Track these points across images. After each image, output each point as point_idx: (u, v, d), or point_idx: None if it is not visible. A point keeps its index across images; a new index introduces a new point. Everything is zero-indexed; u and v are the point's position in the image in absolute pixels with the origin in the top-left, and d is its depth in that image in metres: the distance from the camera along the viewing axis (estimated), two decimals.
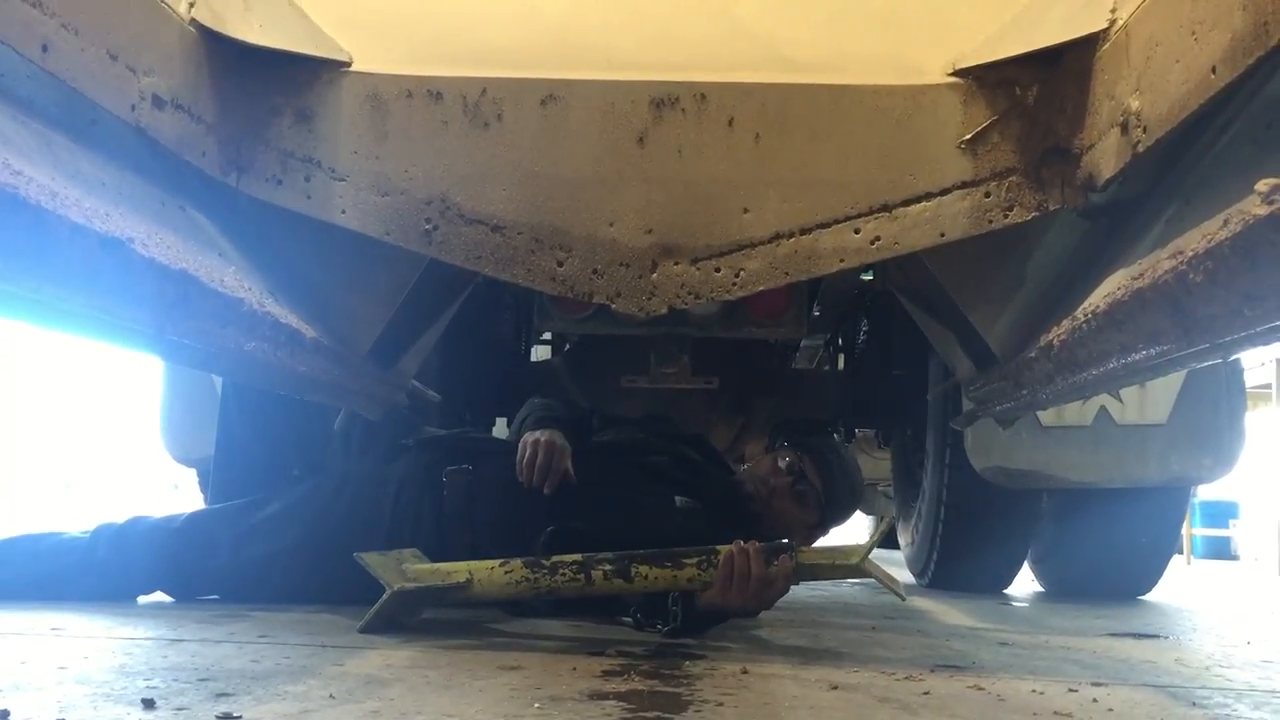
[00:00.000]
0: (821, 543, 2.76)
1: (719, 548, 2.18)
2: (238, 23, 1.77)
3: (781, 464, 2.75)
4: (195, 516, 2.76)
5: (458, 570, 2.23)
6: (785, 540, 2.28)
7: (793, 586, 2.25)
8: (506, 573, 2.21)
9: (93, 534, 2.69)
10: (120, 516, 2.77)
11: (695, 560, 2.18)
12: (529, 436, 2.63)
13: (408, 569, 2.24)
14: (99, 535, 2.68)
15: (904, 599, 2.33)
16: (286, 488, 2.80)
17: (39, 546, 2.68)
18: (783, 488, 2.72)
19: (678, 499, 2.75)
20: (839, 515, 2.88)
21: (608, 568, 2.18)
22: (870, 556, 2.18)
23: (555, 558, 2.22)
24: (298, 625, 2.27)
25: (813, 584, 4.59)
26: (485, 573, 2.22)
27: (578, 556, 2.21)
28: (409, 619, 2.28)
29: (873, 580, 2.21)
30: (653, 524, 2.60)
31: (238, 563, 2.63)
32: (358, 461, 2.85)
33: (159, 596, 2.70)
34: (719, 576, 2.16)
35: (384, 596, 2.15)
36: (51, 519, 3.21)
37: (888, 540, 9.50)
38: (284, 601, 2.62)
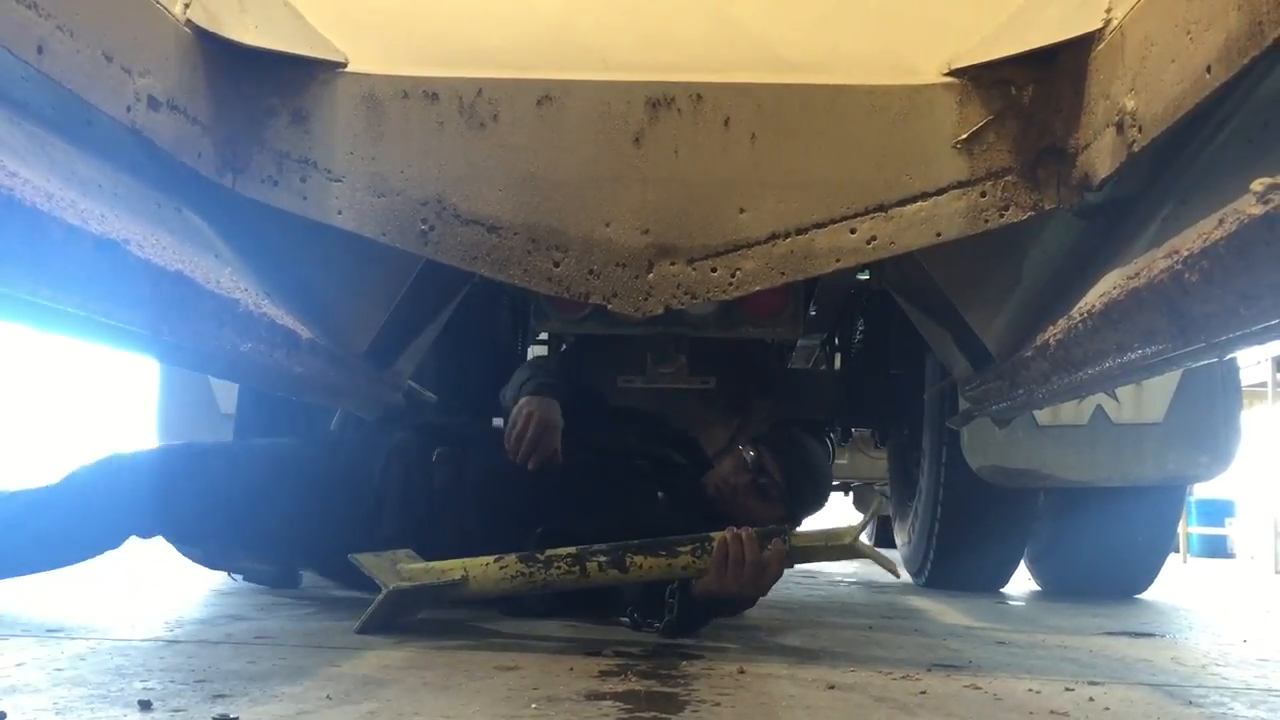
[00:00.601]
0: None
1: (712, 534, 2.19)
2: (233, 24, 1.77)
3: (741, 462, 2.76)
4: (187, 444, 2.72)
5: (452, 568, 2.23)
6: (777, 525, 2.29)
7: (787, 571, 2.26)
8: (501, 568, 2.21)
9: (66, 477, 2.56)
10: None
11: (689, 548, 2.19)
12: (524, 404, 2.61)
13: (402, 569, 2.24)
14: (72, 476, 2.55)
15: (898, 575, 2.34)
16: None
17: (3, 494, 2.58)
18: (743, 485, 2.72)
19: (659, 495, 2.75)
20: (804, 508, 2.88)
21: (602, 559, 2.19)
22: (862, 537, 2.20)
23: (549, 551, 2.22)
24: (294, 626, 2.27)
25: (810, 585, 4.60)
26: (480, 569, 2.21)
27: (572, 550, 2.21)
28: (405, 619, 2.28)
29: (868, 578, 2.21)
30: (639, 522, 2.59)
31: (229, 491, 2.56)
32: (353, 431, 2.86)
33: (138, 600, 2.69)
34: (714, 562, 2.16)
35: (380, 597, 2.16)
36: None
37: (884, 539, 9.51)
38: (269, 547, 2.62)
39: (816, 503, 2.95)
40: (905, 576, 4.81)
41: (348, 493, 2.59)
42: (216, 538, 2.67)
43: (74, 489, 2.53)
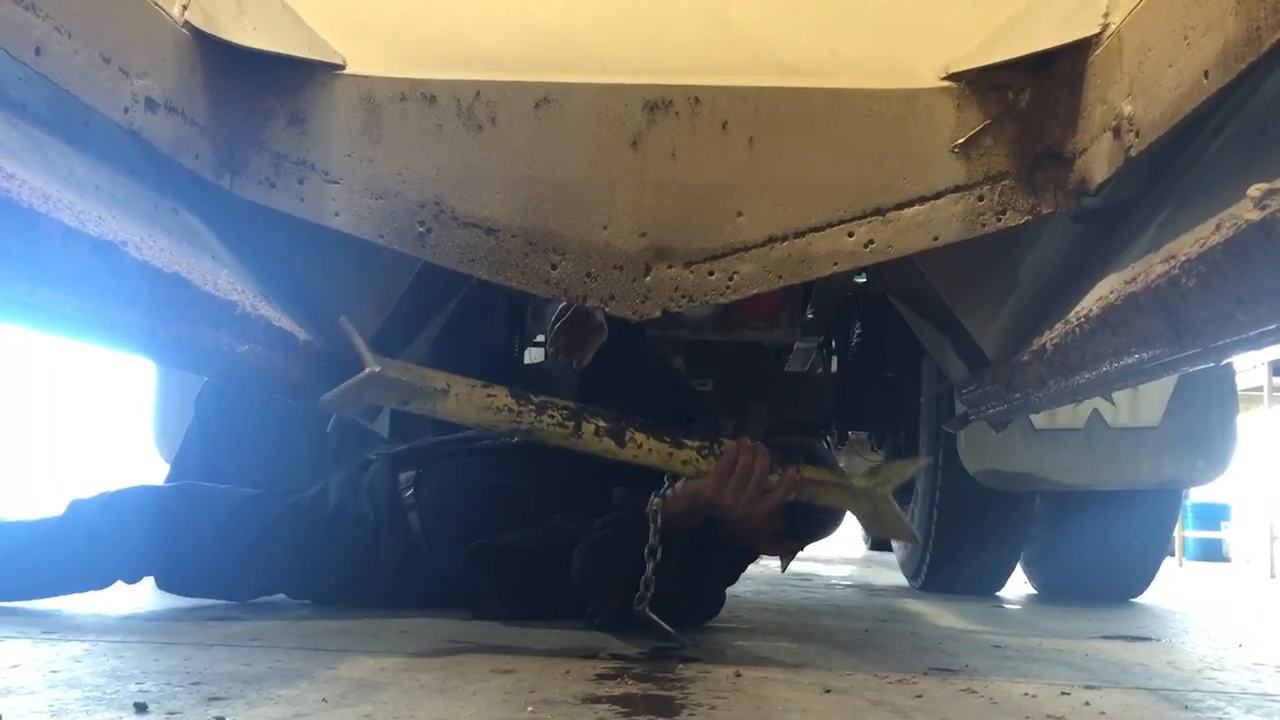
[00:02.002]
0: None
1: (724, 440, 2.09)
2: (231, 25, 1.77)
3: None
4: (189, 488, 2.74)
5: (436, 378, 2.06)
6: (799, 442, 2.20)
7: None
8: (489, 395, 2.04)
9: (68, 508, 2.64)
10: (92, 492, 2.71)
11: (696, 444, 2.07)
12: (569, 305, 2.56)
13: (384, 359, 2.04)
14: (74, 512, 2.63)
15: (918, 540, 2.21)
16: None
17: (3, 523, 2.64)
18: None
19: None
20: (816, 530, 2.71)
21: (601, 424, 2.05)
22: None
23: (546, 397, 2.08)
24: (290, 629, 2.26)
25: (806, 588, 4.59)
26: (466, 389, 2.05)
27: (571, 404, 2.10)
28: (372, 407, 2.11)
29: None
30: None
31: (231, 543, 2.62)
32: (331, 472, 2.86)
33: (134, 602, 2.69)
34: (718, 468, 2.06)
35: (359, 375, 1.99)
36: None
37: (880, 542, 9.46)
38: (269, 587, 2.64)
39: (828, 530, 2.77)
40: (901, 579, 4.81)
41: (350, 531, 2.63)
42: (213, 586, 2.67)
43: (76, 528, 2.57)
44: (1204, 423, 3.63)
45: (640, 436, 2.07)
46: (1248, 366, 12.52)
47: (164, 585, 2.69)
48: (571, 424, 2.06)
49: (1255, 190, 1.02)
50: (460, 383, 2.05)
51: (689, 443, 2.08)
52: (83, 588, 2.57)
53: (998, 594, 4.42)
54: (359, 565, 2.68)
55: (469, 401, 2.04)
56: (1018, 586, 4.65)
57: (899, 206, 1.87)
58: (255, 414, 2.95)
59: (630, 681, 1.75)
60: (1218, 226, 1.10)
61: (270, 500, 2.70)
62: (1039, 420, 3.50)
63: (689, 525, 2.29)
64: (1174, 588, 6.07)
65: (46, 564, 2.51)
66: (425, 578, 2.70)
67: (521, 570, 2.59)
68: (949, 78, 1.86)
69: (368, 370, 1.98)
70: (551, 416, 2.05)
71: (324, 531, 2.67)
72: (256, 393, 2.93)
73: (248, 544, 2.62)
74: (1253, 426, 11.98)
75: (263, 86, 1.87)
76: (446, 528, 2.68)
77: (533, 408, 2.05)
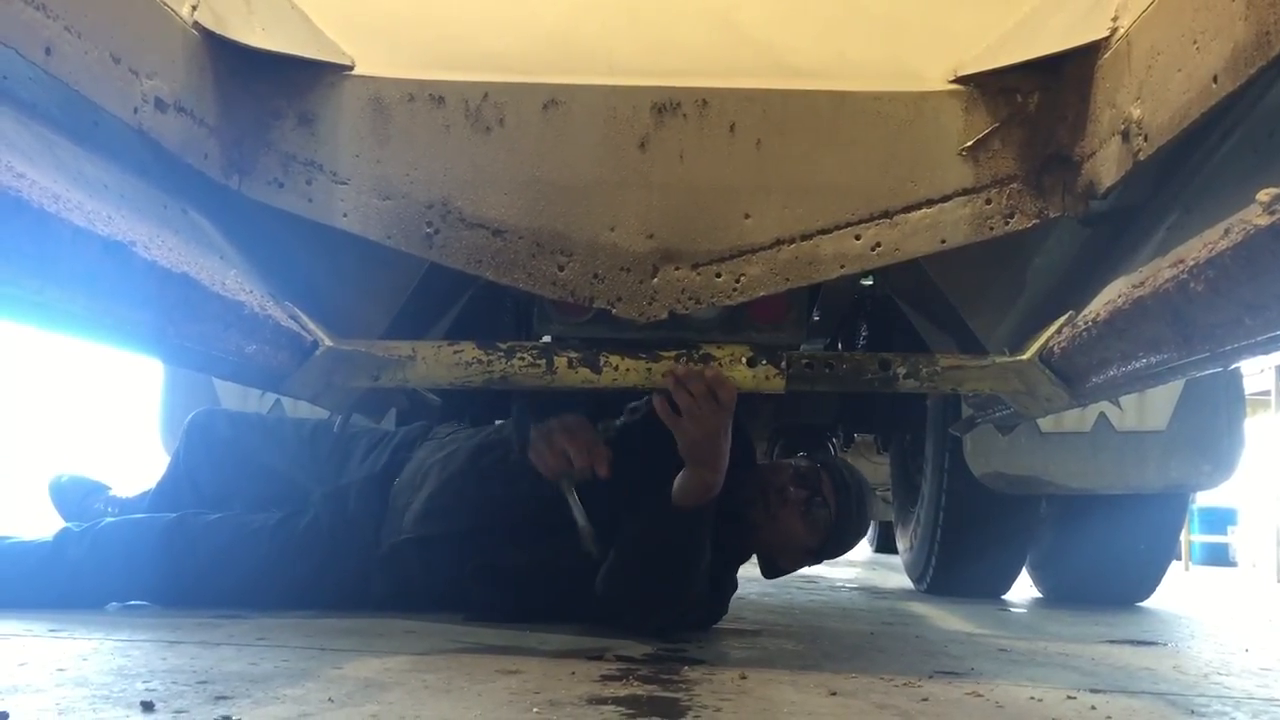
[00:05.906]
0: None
1: (704, 346, 2.06)
2: (240, 26, 1.77)
3: (802, 474, 2.61)
4: (182, 518, 2.73)
5: (400, 346, 2.04)
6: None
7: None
8: (455, 351, 2.03)
9: (56, 537, 2.63)
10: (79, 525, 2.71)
11: (673, 354, 2.05)
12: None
13: (344, 339, 2.03)
14: (65, 536, 2.62)
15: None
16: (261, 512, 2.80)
17: None
18: (799, 502, 2.58)
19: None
20: (840, 548, 2.72)
21: (573, 355, 2.03)
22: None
23: (513, 342, 2.06)
24: (296, 628, 2.27)
25: (811, 591, 4.59)
26: (431, 350, 2.03)
27: (538, 344, 2.08)
28: (342, 388, 2.06)
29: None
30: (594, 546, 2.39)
31: (236, 568, 2.63)
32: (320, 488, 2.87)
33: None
34: (660, 412, 2.06)
35: (316, 352, 1.97)
36: (43, 517, 3.22)
37: (886, 545, 9.41)
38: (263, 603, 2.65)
39: (851, 545, 2.77)
40: (906, 581, 4.80)
41: (342, 560, 2.65)
42: (217, 604, 2.68)
43: (62, 564, 2.55)
44: (1211, 427, 3.63)
45: (616, 359, 2.04)
46: (1255, 370, 12.51)
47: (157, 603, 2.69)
48: (543, 362, 2.02)
49: (1264, 195, 1.02)
50: (425, 347, 2.04)
51: (665, 354, 2.06)
52: (59, 607, 2.53)
53: (1003, 597, 4.42)
54: (353, 594, 2.67)
55: (438, 362, 2.02)
56: (1023, 590, 4.64)
57: (906, 209, 1.87)
58: (242, 456, 2.98)
59: (636, 683, 1.75)
60: (1226, 231, 1.10)
61: (261, 533, 2.69)
62: (1045, 424, 3.49)
63: (706, 457, 2.25)
64: (1180, 592, 6.06)
65: (29, 597, 2.47)
66: (420, 595, 2.69)
67: (524, 587, 2.57)
68: (957, 80, 1.86)
69: (324, 346, 1.96)
70: (522, 359, 2.02)
71: (316, 563, 2.65)
72: (242, 435, 3.02)
73: (241, 574, 2.63)
74: (1260, 430, 11.95)
75: (271, 87, 1.87)
76: (440, 554, 2.64)
77: (501, 354, 2.03)
